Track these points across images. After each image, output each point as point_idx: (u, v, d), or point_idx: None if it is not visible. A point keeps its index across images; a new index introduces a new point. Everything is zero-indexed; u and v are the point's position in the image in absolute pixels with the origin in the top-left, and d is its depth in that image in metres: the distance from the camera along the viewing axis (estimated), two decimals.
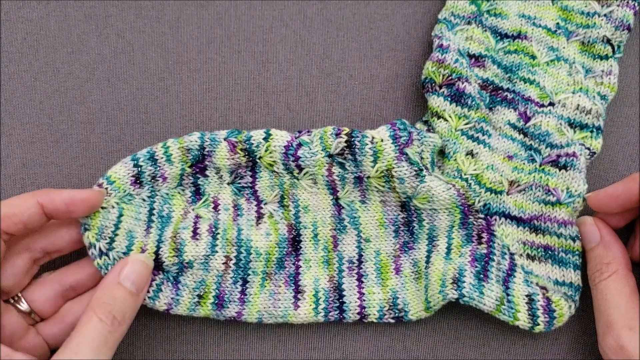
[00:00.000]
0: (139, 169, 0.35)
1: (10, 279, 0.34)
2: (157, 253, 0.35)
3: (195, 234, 0.36)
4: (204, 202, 0.37)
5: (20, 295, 0.35)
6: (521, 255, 0.38)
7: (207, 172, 0.37)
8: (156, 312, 0.37)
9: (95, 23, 0.40)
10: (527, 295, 0.36)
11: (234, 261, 0.36)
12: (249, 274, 0.37)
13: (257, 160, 0.37)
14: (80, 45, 0.40)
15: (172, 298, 0.36)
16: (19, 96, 0.39)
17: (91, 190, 0.34)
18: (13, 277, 0.34)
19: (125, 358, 0.38)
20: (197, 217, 0.36)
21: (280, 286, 0.37)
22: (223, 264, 0.36)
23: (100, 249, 0.34)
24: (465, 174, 0.37)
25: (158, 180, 0.36)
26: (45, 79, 0.40)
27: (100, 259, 0.34)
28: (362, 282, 0.38)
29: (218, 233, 0.36)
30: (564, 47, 0.39)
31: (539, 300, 0.36)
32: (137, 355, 0.38)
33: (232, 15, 0.41)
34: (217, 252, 0.36)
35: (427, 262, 0.38)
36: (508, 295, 0.36)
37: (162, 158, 0.36)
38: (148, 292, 0.35)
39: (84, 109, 0.40)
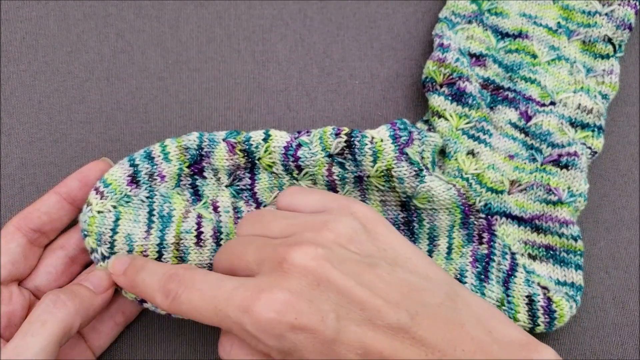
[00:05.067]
0: (136, 168, 0.35)
1: (44, 278, 0.34)
2: (159, 259, 0.34)
3: (199, 239, 0.35)
4: (203, 204, 0.36)
5: None
6: (522, 254, 0.38)
7: (205, 174, 0.36)
8: (156, 312, 0.37)
9: (94, 22, 0.40)
10: (527, 296, 0.36)
11: None
12: None
13: (256, 162, 0.36)
14: (79, 44, 0.40)
15: None
16: (18, 96, 0.39)
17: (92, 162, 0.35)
18: (47, 276, 0.34)
19: (125, 358, 0.38)
20: (200, 216, 0.36)
21: None
22: None
23: (102, 253, 0.34)
24: (466, 174, 0.37)
25: (156, 179, 0.35)
26: (45, 79, 0.40)
27: (104, 262, 0.34)
28: None
29: (222, 239, 0.36)
30: (565, 46, 0.39)
31: (539, 301, 0.36)
32: (137, 355, 0.38)
33: (231, 15, 0.41)
34: None
35: None
36: (508, 296, 0.36)
37: (159, 156, 0.35)
38: None
39: (83, 108, 0.40)
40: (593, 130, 0.38)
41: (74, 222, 0.36)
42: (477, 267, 0.37)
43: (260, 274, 0.28)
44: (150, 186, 0.35)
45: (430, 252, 0.38)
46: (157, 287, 0.30)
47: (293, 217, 0.31)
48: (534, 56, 0.39)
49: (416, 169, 0.36)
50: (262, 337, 0.27)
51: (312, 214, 0.32)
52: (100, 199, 0.34)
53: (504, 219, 0.38)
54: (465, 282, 0.36)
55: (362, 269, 0.28)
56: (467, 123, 0.37)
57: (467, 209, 0.37)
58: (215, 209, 0.36)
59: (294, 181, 0.37)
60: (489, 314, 0.29)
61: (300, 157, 0.36)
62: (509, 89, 0.39)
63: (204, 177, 0.36)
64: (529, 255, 0.37)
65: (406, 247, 0.30)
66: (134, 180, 0.35)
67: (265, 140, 0.36)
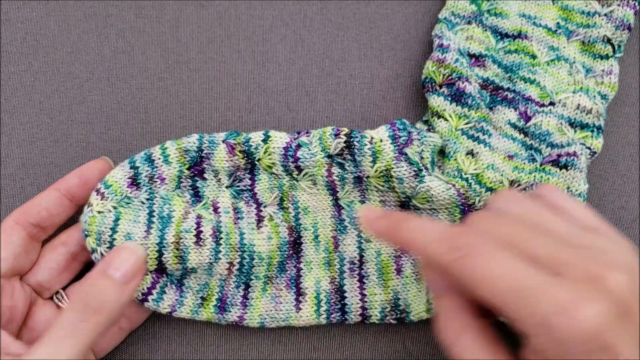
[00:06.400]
0: (136, 170, 0.35)
1: (45, 274, 0.35)
2: (159, 259, 0.35)
3: (198, 238, 0.35)
4: (204, 205, 0.36)
5: (63, 294, 0.35)
6: None
7: (206, 175, 0.37)
8: (156, 313, 0.37)
9: (95, 23, 0.40)
10: None
11: (237, 267, 0.36)
12: (251, 279, 0.37)
13: (256, 163, 0.36)
14: (80, 44, 0.40)
15: (176, 299, 0.36)
16: (18, 96, 0.39)
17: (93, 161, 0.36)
18: (49, 271, 0.35)
19: (125, 358, 0.38)
20: (199, 217, 0.36)
21: (281, 289, 0.37)
22: (226, 269, 0.36)
23: (101, 253, 0.34)
24: (465, 174, 0.37)
25: (156, 181, 0.35)
26: (45, 79, 0.40)
27: None
28: (364, 283, 0.38)
29: (221, 238, 0.36)
30: (564, 47, 0.39)
31: None
32: (137, 356, 0.38)
33: (231, 15, 0.41)
34: (220, 258, 0.36)
35: None
36: None
37: (159, 159, 0.35)
38: (151, 294, 0.35)
39: (83, 108, 0.40)
40: (592, 131, 0.38)
41: (76, 220, 0.36)
42: None
43: (564, 278, 0.26)
44: (150, 188, 0.35)
45: None
46: (439, 236, 0.27)
47: (574, 227, 0.29)
48: (534, 57, 0.39)
49: (415, 169, 0.36)
50: (568, 343, 0.25)
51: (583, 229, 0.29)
52: (101, 199, 0.34)
53: None
54: None
55: None
56: (466, 123, 0.38)
57: (466, 209, 0.37)
58: (216, 209, 0.37)
59: (294, 181, 0.37)
60: None
61: (299, 158, 0.36)
62: (508, 89, 0.39)
63: (205, 179, 0.37)
64: None
65: None
66: (134, 182, 0.35)
67: (264, 141, 0.36)
